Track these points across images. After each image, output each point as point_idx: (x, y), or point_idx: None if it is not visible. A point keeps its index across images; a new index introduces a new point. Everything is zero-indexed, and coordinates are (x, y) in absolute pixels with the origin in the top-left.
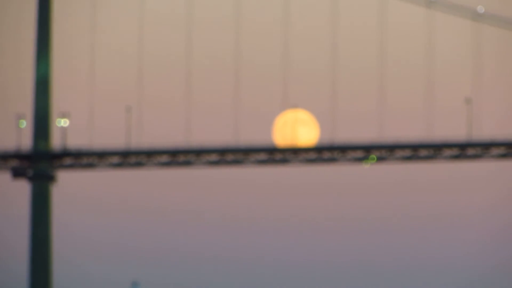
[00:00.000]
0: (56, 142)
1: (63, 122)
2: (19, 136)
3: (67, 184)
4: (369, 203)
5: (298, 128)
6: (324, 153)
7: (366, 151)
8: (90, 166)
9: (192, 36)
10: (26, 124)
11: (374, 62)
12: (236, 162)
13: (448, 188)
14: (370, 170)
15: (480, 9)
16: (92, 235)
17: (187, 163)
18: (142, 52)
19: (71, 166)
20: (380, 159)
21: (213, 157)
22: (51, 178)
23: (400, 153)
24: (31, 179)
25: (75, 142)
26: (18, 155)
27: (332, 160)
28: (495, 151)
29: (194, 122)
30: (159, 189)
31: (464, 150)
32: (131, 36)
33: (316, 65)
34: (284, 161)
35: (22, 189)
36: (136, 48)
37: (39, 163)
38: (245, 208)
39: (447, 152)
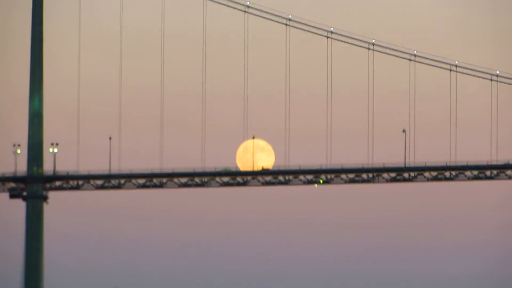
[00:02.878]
0: (47, 167)
1: (54, 150)
2: (15, 162)
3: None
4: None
5: (256, 154)
6: (279, 176)
7: (315, 175)
8: (77, 187)
9: (164, 80)
10: (21, 152)
11: (323, 99)
12: (203, 184)
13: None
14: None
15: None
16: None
17: (160, 185)
18: (121, 89)
19: (60, 188)
20: (327, 181)
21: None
22: (43, 198)
23: (344, 176)
24: (26, 198)
25: (64, 167)
26: (14, 178)
27: (286, 182)
28: (427, 174)
29: (167, 150)
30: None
31: (401, 173)
32: (111, 76)
33: (272, 102)
34: (244, 183)
35: (18, 207)
36: (116, 87)
37: (33, 185)
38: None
39: (386, 175)
